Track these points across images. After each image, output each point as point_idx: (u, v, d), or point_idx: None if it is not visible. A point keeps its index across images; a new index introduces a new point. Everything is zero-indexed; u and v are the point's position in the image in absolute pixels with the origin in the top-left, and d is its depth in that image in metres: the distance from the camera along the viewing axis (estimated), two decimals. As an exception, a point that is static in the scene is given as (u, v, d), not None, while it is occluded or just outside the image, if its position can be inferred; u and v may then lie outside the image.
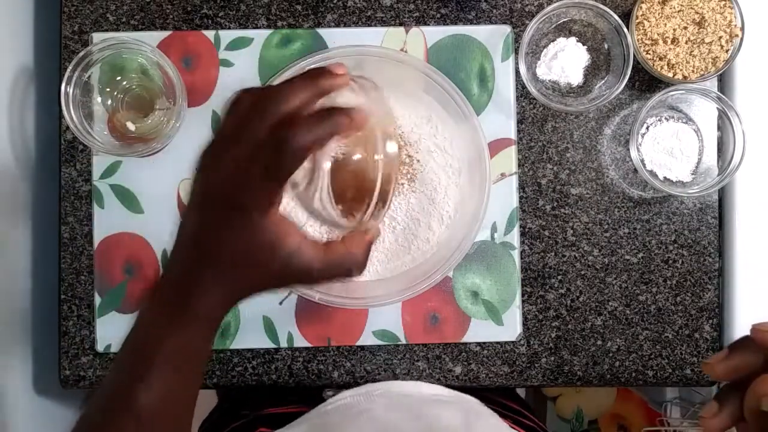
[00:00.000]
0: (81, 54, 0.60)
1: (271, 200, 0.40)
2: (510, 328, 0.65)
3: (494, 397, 0.67)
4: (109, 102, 0.63)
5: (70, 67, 0.60)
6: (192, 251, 0.42)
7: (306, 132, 0.39)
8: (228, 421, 0.71)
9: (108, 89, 0.63)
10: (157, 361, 0.40)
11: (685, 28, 0.63)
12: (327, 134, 0.39)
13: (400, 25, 0.66)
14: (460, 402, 0.62)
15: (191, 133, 0.65)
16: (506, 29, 0.66)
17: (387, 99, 0.46)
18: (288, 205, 0.57)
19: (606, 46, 0.66)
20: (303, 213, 0.47)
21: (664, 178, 0.65)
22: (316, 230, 0.64)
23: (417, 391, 0.63)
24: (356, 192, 0.44)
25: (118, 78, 0.63)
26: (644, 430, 0.67)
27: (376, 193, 0.43)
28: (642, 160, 0.65)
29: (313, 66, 0.43)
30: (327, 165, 0.42)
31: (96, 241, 0.65)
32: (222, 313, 0.42)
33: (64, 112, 0.59)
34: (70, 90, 0.60)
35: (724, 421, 0.36)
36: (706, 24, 0.62)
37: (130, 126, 0.63)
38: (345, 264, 0.43)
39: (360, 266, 0.44)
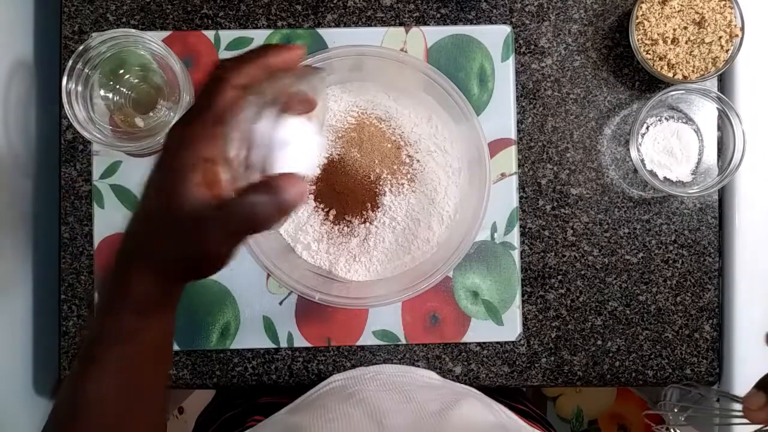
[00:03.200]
0: (81, 47, 0.59)
1: (194, 139, 0.37)
2: (510, 328, 0.65)
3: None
4: (112, 97, 0.63)
5: (72, 60, 0.58)
6: (124, 235, 0.42)
7: (229, 66, 0.38)
8: (223, 411, 0.71)
9: (111, 84, 0.62)
10: (102, 344, 0.41)
11: (685, 28, 0.63)
12: (250, 65, 0.38)
13: (400, 25, 0.66)
14: (449, 386, 0.62)
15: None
16: (506, 29, 0.66)
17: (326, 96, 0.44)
18: None
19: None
20: None
21: (664, 178, 0.65)
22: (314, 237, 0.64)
23: (409, 374, 0.63)
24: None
25: (121, 72, 0.62)
26: (645, 413, 0.68)
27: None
28: (642, 160, 0.65)
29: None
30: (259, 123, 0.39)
31: (96, 241, 0.65)
32: (159, 295, 0.41)
33: (65, 106, 0.58)
34: (72, 85, 0.59)
35: None
36: (706, 24, 0.62)
37: (139, 122, 0.63)
38: (233, 207, 0.38)
39: (266, 216, 0.37)
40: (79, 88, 0.59)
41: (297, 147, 0.42)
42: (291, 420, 0.55)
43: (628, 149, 0.66)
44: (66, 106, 0.59)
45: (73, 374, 0.42)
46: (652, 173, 0.65)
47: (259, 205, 0.37)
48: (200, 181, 0.37)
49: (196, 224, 0.38)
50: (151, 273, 0.40)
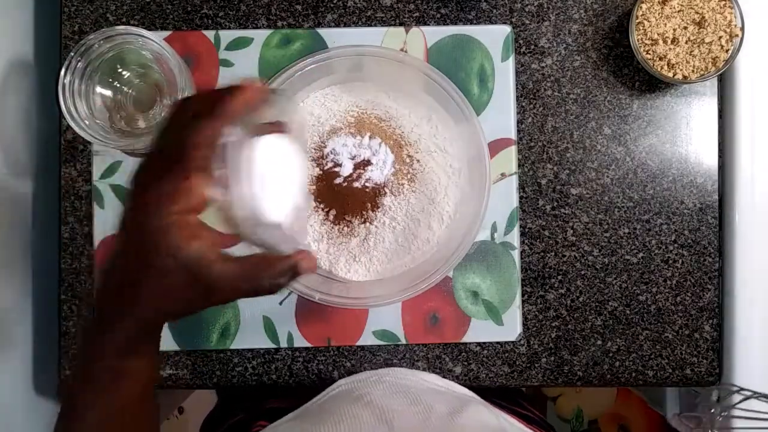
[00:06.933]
0: (82, 43, 0.58)
1: (171, 195, 0.37)
2: (510, 328, 0.65)
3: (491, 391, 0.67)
4: (111, 94, 0.62)
5: (70, 55, 0.57)
6: (99, 283, 0.41)
7: (202, 104, 0.38)
8: (228, 416, 0.71)
9: (110, 81, 0.62)
10: (85, 392, 0.41)
11: (685, 28, 0.63)
12: (226, 115, 0.38)
13: (400, 25, 0.66)
14: (453, 392, 0.62)
15: (191, 133, 0.65)
16: (506, 29, 0.66)
17: (301, 115, 0.45)
18: None
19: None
20: None
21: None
22: None
23: (414, 378, 0.63)
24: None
25: (120, 70, 0.62)
26: (683, 415, 0.66)
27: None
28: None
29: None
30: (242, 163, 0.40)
31: (96, 241, 0.65)
32: (137, 346, 0.41)
33: (61, 100, 0.58)
34: (68, 79, 0.58)
35: None
36: (706, 24, 0.62)
37: (140, 122, 0.63)
38: (252, 277, 0.39)
39: (277, 285, 0.40)
40: (78, 86, 0.59)
41: (285, 170, 0.42)
42: (298, 426, 0.55)
43: (628, 148, 0.65)
44: (62, 100, 0.58)
45: (59, 424, 0.43)
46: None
47: (274, 277, 0.39)
48: (191, 236, 0.37)
49: (196, 283, 0.38)
50: (133, 321, 0.40)
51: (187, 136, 0.37)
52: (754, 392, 0.61)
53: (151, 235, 0.37)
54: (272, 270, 0.40)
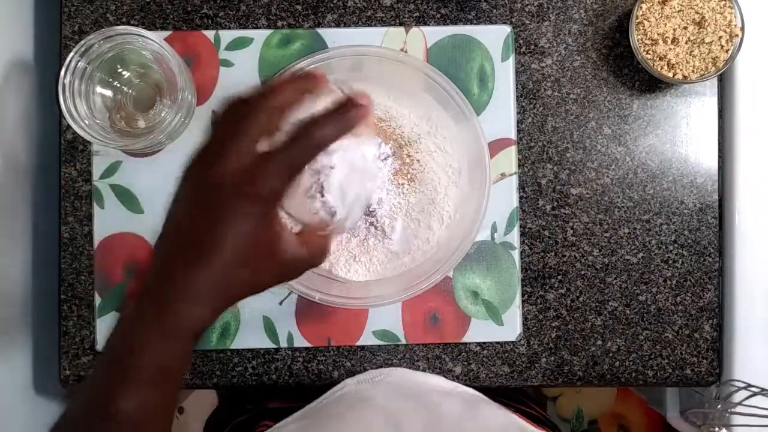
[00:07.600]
0: (82, 43, 0.58)
1: (283, 192, 0.39)
2: (510, 328, 0.66)
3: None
4: (111, 94, 0.62)
5: (70, 55, 0.58)
6: (182, 249, 0.39)
7: (328, 126, 0.39)
8: (232, 416, 0.71)
9: (111, 81, 0.62)
10: (137, 373, 0.38)
11: (685, 28, 0.63)
12: (345, 128, 0.40)
13: (400, 25, 0.66)
14: (459, 392, 0.62)
15: (191, 133, 0.65)
16: (506, 29, 0.66)
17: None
18: None
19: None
20: None
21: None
22: None
23: (419, 380, 0.63)
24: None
25: (120, 70, 0.62)
26: (689, 411, 0.66)
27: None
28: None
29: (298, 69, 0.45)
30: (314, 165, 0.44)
31: (96, 241, 0.65)
32: (211, 322, 0.40)
33: (61, 100, 0.58)
34: (68, 79, 0.58)
35: None
36: (706, 24, 0.62)
37: (140, 122, 0.63)
38: (318, 254, 0.43)
39: (326, 255, 0.44)
40: (78, 86, 0.59)
41: (359, 170, 0.45)
42: (304, 428, 0.54)
43: (628, 147, 0.65)
44: (62, 100, 0.58)
45: (100, 396, 0.39)
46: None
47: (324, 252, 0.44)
48: (283, 225, 0.40)
49: (285, 267, 0.41)
50: (210, 293, 0.38)
51: (318, 144, 0.39)
52: (763, 389, 0.61)
53: (258, 229, 0.39)
54: (326, 248, 0.44)
